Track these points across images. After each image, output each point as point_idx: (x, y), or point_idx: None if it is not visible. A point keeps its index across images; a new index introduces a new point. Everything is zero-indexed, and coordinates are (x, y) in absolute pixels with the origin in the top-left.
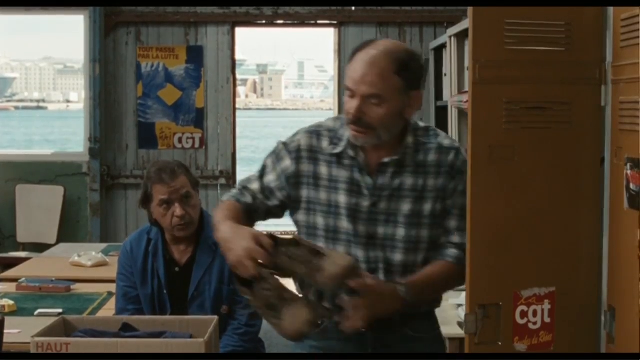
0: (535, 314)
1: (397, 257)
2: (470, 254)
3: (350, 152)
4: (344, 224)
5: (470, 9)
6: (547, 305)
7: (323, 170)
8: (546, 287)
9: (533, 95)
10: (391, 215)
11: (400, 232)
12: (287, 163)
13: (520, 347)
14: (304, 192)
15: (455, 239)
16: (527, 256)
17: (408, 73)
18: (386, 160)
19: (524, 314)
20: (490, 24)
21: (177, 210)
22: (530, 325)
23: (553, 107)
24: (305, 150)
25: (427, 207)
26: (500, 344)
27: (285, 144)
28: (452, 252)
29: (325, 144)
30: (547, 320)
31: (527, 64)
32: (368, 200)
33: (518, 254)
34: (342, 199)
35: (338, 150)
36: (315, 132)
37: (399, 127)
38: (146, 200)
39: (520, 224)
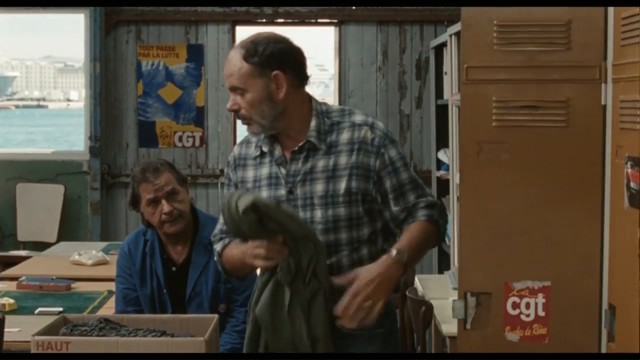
0: (528, 306)
1: (319, 238)
2: (460, 242)
3: (266, 149)
4: None
5: (463, 9)
6: (541, 299)
7: (250, 173)
8: (540, 281)
9: (533, 94)
10: (307, 199)
11: (317, 213)
12: (230, 175)
13: (512, 336)
14: None
15: (421, 204)
16: (520, 250)
17: (256, 57)
18: (295, 147)
19: (515, 305)
20: (484, 24)
21: (165, 207)
22: (523, 317)
23: (552, 106)
24: (237, 159)
25: (341, 185)
26: (490, 331)
27: (227, 163)
28: (421, 212)
29: (251, 149)
30: (542, 313)
31: (525, 62)
32: (284, 189)
33: (510, 246)
34: (264, 194)
35: (258, 152)
36: (244, 141)
37: (277, 111)
38: (135, 202)
39: (513, 218)
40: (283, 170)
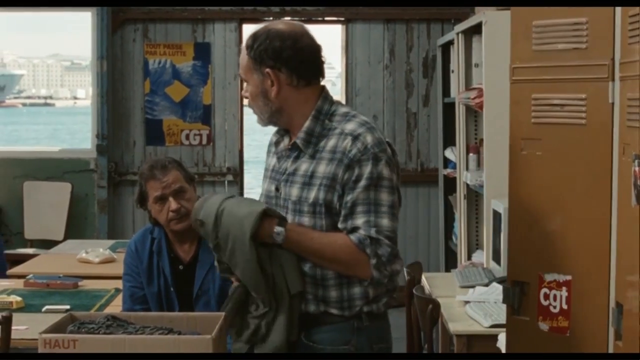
0: (555, 298)
1: None
2: (509, 233)
3: (274, 140)
4: None
5: (512, 10)
6: (564, 292)
7: (269, 161)
8: (564, 275)
9: (560, 93)
10: (286, 200)
11: (289, 217)
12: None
13: (543, 326)
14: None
15: (362, 232)
16: (550, 242)
17: (253, 50)
18: (289, 145)
19: (546, 296)
20: (527, 25)
21: (172, 204)
22: (551, 309)
23: (573, 104)
24: (269, 144)
25: (312, 194)
26: (528, 319)
27: None
28: (356, 234)
29: (275, 135)
30: (565, 306)
31: (554, 62)
32: (274, 185)
33: (543, 238)
34: (265, 185)
35: (274, 140)
36: (279, 129)
37: (270, 108)
38: (142, 199)
39: (547, 210)
40: (277, 165)
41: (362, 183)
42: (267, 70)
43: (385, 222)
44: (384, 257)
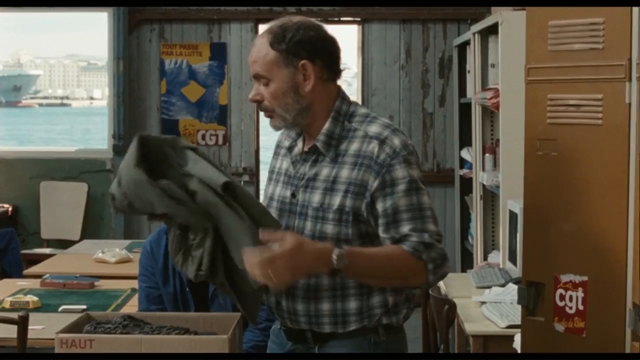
0: (571, 299)
1: None
2: (524, 234)
3: (287, 144)
4: (275, 215)
5: (527, 10)
6: (580, 293)
7: (277, 163)
8: (580, 275)
9: (576, 93)
10: (304, 207)
11: (308, 225)
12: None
13: (559, 327)
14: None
15: (412, 237)
16: (566, 243)
17: (283, 44)
18: (306, 148)
19: (562, 297)
20: (543, 25)
21: None
22: (567, 309)
23: (590, 104)
24: (276, 146)
25: (335, 200)
26: (543, 319)
27: None
28: (409, 242)
29: (287, 138)
30: (581, 307)
31: (570, 62)
32: (290, 190)
33: (559, 239)
34: (277, 190)
35: (286, 143)
36: (289, 132)
37: (301, 105)
38: None
39: (563, 211)
40: (292, 169)
41: (401, 187)
42: (303, 62)
43: (431, 226)
44: (438, 261)
